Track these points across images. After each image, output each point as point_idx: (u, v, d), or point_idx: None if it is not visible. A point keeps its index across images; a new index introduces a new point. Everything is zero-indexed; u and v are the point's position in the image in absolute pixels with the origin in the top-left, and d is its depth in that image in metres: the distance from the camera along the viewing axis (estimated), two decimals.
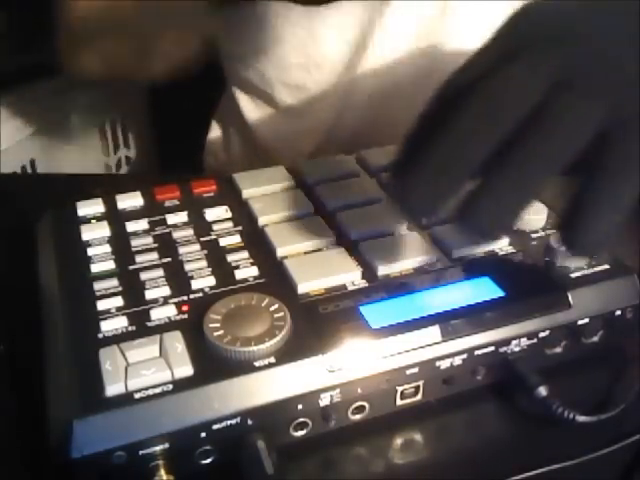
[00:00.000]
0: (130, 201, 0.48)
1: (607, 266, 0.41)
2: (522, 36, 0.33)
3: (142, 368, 0.34)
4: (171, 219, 0.46)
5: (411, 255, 0.41)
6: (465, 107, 0.31)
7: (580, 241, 0.32)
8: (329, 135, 0.70)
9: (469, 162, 0.31)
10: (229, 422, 0.34)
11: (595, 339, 0.41)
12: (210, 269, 0.41)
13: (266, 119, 0.72)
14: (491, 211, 0.31)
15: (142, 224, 0.45)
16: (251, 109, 0.72)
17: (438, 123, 0.31)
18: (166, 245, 0.43)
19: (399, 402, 0.38)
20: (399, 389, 0.37)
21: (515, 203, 0.31)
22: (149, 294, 0.39)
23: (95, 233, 0.45)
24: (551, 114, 0.30)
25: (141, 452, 0.33)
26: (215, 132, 0.79)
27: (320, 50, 0.65)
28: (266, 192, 0.48)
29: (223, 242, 0.44)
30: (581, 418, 0.37)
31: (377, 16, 0.62)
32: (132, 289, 0.40)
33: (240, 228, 0.45)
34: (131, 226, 0.45)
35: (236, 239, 0.44)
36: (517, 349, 0.38)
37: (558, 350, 0.40)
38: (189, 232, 0.45)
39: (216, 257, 0.42)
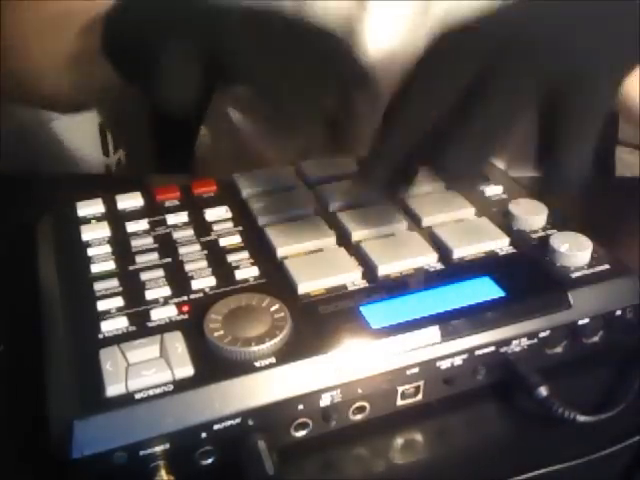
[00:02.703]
0: (130, 201, 0.48)
1: (607, 266, 0.41)
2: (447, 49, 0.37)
3: (142, 368, 0.34)
4: (171, 219, 0.46)
5: (411, 255, 0.41)
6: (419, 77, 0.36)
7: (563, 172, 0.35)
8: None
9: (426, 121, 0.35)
10: (230, 422, 0.34)
11: (595, 339, 0.41)
12: (210, 269, 0.41)
13: (257, 128, 0.72)
14: (462, 155, 0.35)
15: (142, 224, 0.45)
16: (242, 118, 0.72)
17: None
18: (166, 245, 0.43)
19: (399, 402, 0.38)
20: (399, 389, 0.37)
21: (481, 148, 0.35)
22: (149, 294, 0.39)
23: (95, 233, 0.45)
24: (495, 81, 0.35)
25: (142, 452, 0.33)
26: (204, 137, 0.78)
27: None
28: (266, 192, 0.48)
29: (223, 242, 0.44)
30: (581, 418, 0.37)
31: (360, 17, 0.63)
32: (132, 289, 0.40)
33: (240, 228, 0.45)
34: (131, 226, 0.45)
35: (236, 239, 0.44)
36: (517, 349, 0.38)
37: (558, 350, 0.40)
38: (189, 232, 0.45)
39: (216, 257, 0.42)
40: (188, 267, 0.41)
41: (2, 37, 0.57)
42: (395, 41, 0.64)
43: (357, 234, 0.43)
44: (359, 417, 0.37)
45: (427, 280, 0.40)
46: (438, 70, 0.37)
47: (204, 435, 0.33)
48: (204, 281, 0.40)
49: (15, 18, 0.57)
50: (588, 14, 0.38)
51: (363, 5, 0.62)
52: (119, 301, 0.39)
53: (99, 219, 0.46)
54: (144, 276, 0.41)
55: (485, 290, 0.39)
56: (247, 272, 0.41)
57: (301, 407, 0.35)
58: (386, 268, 0.40)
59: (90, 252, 0.43)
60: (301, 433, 0.36)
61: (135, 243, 0.44)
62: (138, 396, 0.33)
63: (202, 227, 0.45)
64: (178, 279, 0.40)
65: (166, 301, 0.39)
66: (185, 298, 0.39)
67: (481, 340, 0.37)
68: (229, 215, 0.46)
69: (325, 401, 0.35)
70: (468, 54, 0.36)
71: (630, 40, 0.38)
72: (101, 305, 0.38)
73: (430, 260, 0.41)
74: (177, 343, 0.35)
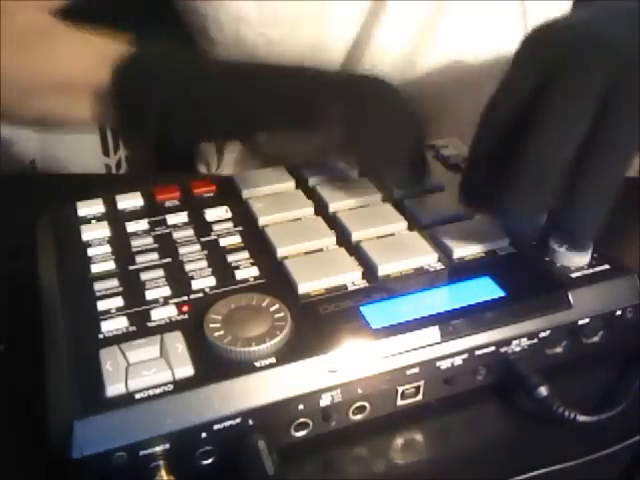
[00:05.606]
0: (130, 201, 0.48)
1: (607, 266, 0.41)
2: (555, 50, 0.36)
3: (143, 368, 0.34)
4: (171, 219, 0.46)
5: (411, 255, 0.41)
6: (542, 121, 0.35)
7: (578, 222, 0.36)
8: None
9: (562, 164, 0.35)
10: (230, 422, 0.34)
11: (595, 339, 0.41)
12: (210, 269, 0.41)
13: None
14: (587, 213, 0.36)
15: (142, 224, 0.45)
16: None
17: (513, 139, 0.36)
18: (166, 245, 0.43)
19: (400, 402, 0.38)
20: (400, 389, 0.37)
21: (606, 195, 0.37)
22: (149, 294, 0.39)
23: (95, 233, 0.45)
24: (616, 107, 0.34)
25: (142, 452, 0.33)
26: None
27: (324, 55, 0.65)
28: (266, 192, 0.48)
29: (223, 242, 0.44)
30: (581, 418, 0.37)
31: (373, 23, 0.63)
32: (132, 289, 0.40)
33: (240, 228, 0.45)
34: (131, 226, 0.45)
35: (236, 239, 0.44)
36: (517, 349, 0.38)
37: (558, 350, 0.40)
38: (189, 232, 0.45)
39: (216, 257, 0.42)
40: (188, 267, 0.41)
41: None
42: (409, 43, 0.64)
43: (357, 234, 0.43)
44: (359, 417, 0.37)
45: (427, 280, 0.40)
46: (570, 87, 0.35)
47: (204, 435, 0.33)
48: (204, 281, 0.40)
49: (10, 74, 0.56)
50: None
51: (376, 9, 0.62)
52: (119, 301, 0.39)
53: (99, 219, 0.46)
54: (144, 276, 0.41)
55: (485, 290, 0.39)
56: (247, 272, 0.41)
57: (301, 407, 0.35)
58: (386, 268, 0.40)
59: (90, 252, 0.43)
60: (301, 433, 0.36)
61: (135, 243, 0.44)
62: (138, 396, 0.33)
63: (202, 227, 0.45)
64: (178, 279, 0.40)
65: (166, 301, 0.39)
66: (185, 298, 0.39)
67: (481, 340, 0.37)
68: (229, 215, 0.46)
69: (325, 401, 0.35)
70: (597, 67, 0.35)
71: None
72: (101, 305, 0.38)
73: (430, 260, 0.41)
74: (177, 343, 0.35)
